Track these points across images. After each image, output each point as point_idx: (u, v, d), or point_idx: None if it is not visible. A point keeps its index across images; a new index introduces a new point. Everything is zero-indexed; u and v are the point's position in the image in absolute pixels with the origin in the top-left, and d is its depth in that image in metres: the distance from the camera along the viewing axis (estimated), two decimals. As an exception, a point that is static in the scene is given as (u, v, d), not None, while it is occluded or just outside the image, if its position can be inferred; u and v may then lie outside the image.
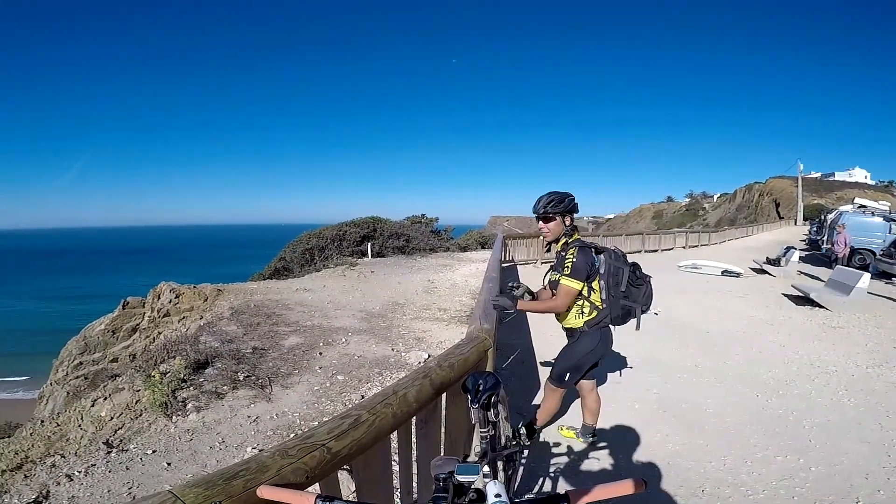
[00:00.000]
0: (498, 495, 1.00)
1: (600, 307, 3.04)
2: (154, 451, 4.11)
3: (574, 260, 2.95)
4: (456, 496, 1.14)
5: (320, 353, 6.15)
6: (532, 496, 1.05)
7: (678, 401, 4.56)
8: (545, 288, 3.28)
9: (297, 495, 1.09)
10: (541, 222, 3.07)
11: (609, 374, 5.20)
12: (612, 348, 5.63)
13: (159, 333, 8.45)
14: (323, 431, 1.40)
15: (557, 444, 3.59)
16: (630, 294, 3.03)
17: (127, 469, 3.89)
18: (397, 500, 2.20)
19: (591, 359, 3.16)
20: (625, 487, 1.02)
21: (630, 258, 3.15)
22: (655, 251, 20.16)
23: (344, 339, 6.69)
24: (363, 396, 4.99)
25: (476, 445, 2.83)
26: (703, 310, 8.82)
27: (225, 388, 5.04)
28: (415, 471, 2.17)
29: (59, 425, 5.88)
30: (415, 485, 2.20)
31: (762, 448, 3.64)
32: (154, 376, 4.92)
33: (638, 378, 5.15)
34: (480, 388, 1.86)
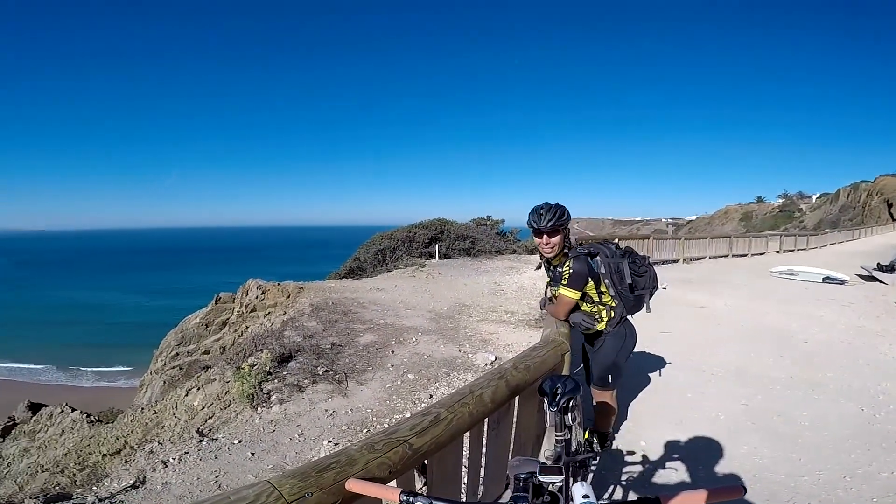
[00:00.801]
0: (586, 496, 1.01)
1: (614, 305, 3.04)
2: (240, 441, 4.36)
3: (570, 271, 2.91)
4: (534, 496, 1.16)
5: (392, 352, 6.34)
6: (619, 499, 1.03)
7: (769, 413, 4.27)
8: (551, 302, 3.28)
9: (383, 489, 1.15)
10: (545, 237, 2.92)
11: (691, 384, 4.97)
12: (693, 357, 5.34)
13: (247, 327, 9.12)
14: (406, 427, 1.46)
15: (631, 453, 3.50)
16: (637, 283, 3.01)
17: (215, 457, 4.12)
18: (463, 497, 2.25)
19: (623, 355, 3.16)
20: (721, 494, 0.98)
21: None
22: (744, 255, 18.71)
23: (414, 339, 6.86)
24: (431, 396, 5.09)
25: (545, 449, 2.84)
26: (801, 319, 8.07)
27: (305, 381, 5.35)
28: (482, 471, 2.21)
29: (156, 413, 6.49)
30: (481, 484, 2.24)
31: (865, 463, 3.34)
32: (244, 368, 5.30)
33: (723, 388, 4.89)
34: (559, 392, 1.85)
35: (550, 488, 1.24)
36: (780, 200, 78.73)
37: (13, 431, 10.72)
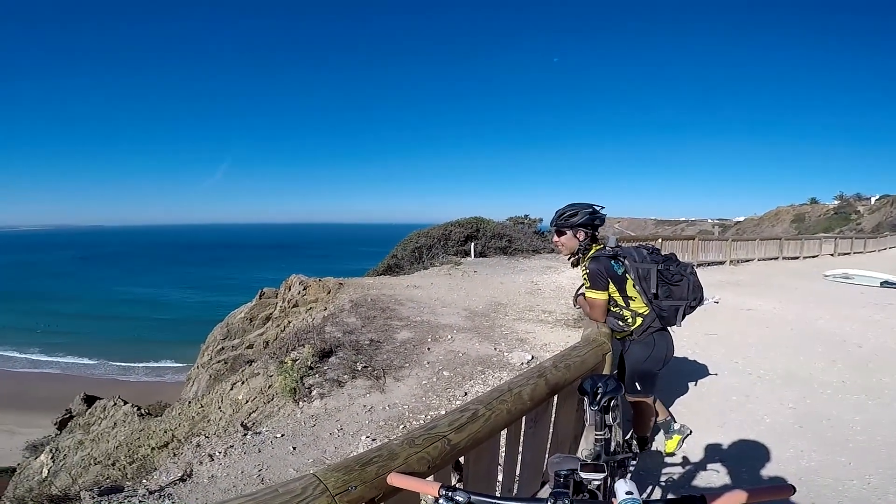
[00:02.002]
0: (629, 493, 0.99)
1: (645, 312, 2.90)
2: (282, 435, 4.45)
3: (587, 271, 2.88)
4: (574, 493, 1.17)
5: (428, 349, 6.41)
6: (663, 498, 1.02)
7: (818, 417, 4.13)
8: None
9: (423, 484, 1.17)
10: (555, 235, 3.04)
11: (735, 387, 4.85)
12: (739, 360, 5.16)
13: (289, 322, 9.40)
14: (444, 423, 1.49)
15: (672, 455, 3.46)
16: (672, 293, 2.84)
17: (259, 451, 4.21)
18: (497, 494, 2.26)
19: (652, 364, 3.03)
20: (769, 493, 0.95)
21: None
22: (796, 258, 17.96)
23: (450, 336, 6.90)
24: (466, 394, 5.11)
25: (583, 448, 2.83)
26: (856, 323, 7.66)
27: (345, 377, 5.47)
28: (517, 468, 2.21)
29: (202, 406, 6.72)
30: (516, 481, 2.24)
31: None
32: (286, 363, 5.47)
33: (770, 392, 4.74)
34: (600, 391, 1.86)
35: (590, 486, 1.24)
36: (836, 202, 74.45)
37: (69, 424, 11.30)
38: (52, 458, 9.21)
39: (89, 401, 12.57)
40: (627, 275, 2.88)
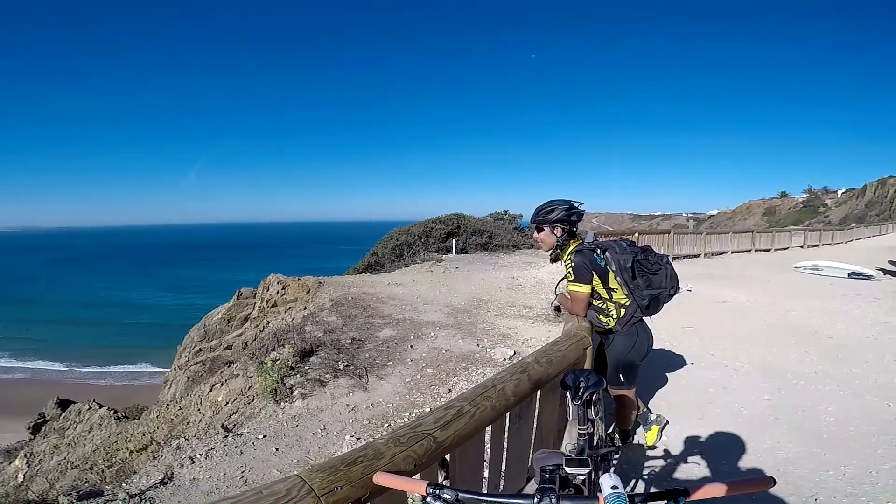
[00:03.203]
0: (615, 487, 1.00)
1: (626, 304, 2.98)
2: (265, 436, 4.41)
3: (572, 265, 2.94)
4: (560, 488, 1.18)
5: (411, 346, 6.39)
6: (647, 491, 1.03)
7: (793, 408, 4.24)
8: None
9: (410, 483, 1.16)
10: (535, 232, 3.13)
11: (713, 379, 4.94)
12: (715, 352, 5.28)
13: (268, 322, 9.24)
14: (430, 421, 1.49)
15: (653, 448, 3.50)
16: (651, 282, 2.94)
17: (241, 453, 4.18)
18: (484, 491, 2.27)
19: (636, 355, 3.11)
20: (750, 485, 0.98)
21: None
22: (768, 250, 18.43)
23: (432, 333, 6.89)
24: (450, 390, 5.11)
25: (566, 443, 2.85)
26: (826, 314, 7.91)
27: (327, 376, 5.42)
28: (503, 465, 2.22)
29: (181, 409, 6.57)
30: (502, 477, 2.26)
31: (891, 458, 3.31)
32: (266, 363, 5.39)
33: (746, 384, 4.85)
34: (582, 386, 1.87)
35: (575, 481, 1.26)
36: (805, 196, 77.08)
37: (43, 428, 10.95)
38: (27, 462, 8.93)
39: (63, 405, 12.23)
40: (609, 267, 2.94)
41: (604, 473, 1.06)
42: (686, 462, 3.31)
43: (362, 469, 1.23)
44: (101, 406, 9.89)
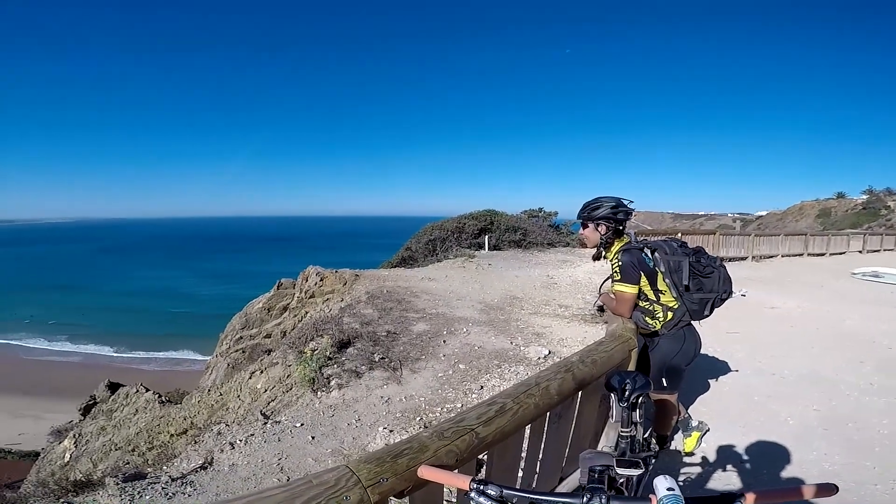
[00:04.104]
0: (671, 489, 0.99)
1: (675, 307, 2.87)
2: (301, 425, 4.48)
3: (620, 264, 2.85)
4: (608, 488, 1.17)
5: (444, 341, 6.39)
6: (702, 495, 1.01)
7: (844, 419, 4.03)
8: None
9: (454, 477, 1.16)
10: (581, 228, 3.08)
11: (758, 387, 4.76)
12: (762, 360, 5.08)
13: (306, 313, 9.46)
14: (472, 416, 1.49)
15: (691, 454, 3.42)
16: (703, 285, 2.82)
17: (279, 440, 4.24)
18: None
19: (682, 359, 3.00)
20: (810, 491, 0.94)
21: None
22: (822, 255, 17.45)
23: (465, 329, 6.88)
24: (482, 387, 5.10)
25: (603, 445, 2.82)
26: (885, 323, 7.44)
27: (363, 367, 5.49)
28: (538, 464, 2.20)
29: (221, 395, 6.76)
30: (535, 476, 2.25)
31: None
32: (306, 353, 5.50)
33: (794, 393, 4.64)
34: (628, 388, 1.84)
35: (619, 482, 1.26)
36: (864, 197, 72.24)
37: (93, 410, 11.50)
38: (74, 443, 9.39)
39: (113, 387, 12.74)
40: (658, 268, 2.85)
41: (659, 475, 1.05)
42: (724, 470, 3.22)
43: (407, 462, 1.24)
44: (147, 390, 10.29)
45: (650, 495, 1.01)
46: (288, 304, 11.58)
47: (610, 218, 2.89)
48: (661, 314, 2.91)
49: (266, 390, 5.79)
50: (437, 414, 4.65)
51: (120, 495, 3.36)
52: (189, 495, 3.50)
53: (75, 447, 9.23)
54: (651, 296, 2.91)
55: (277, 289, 12.88)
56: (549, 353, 5.89)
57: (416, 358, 5.86)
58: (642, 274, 2.84)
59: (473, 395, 4.96)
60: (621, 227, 2.96)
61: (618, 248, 2.94)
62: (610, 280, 3.08)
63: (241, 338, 11.82)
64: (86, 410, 12.10)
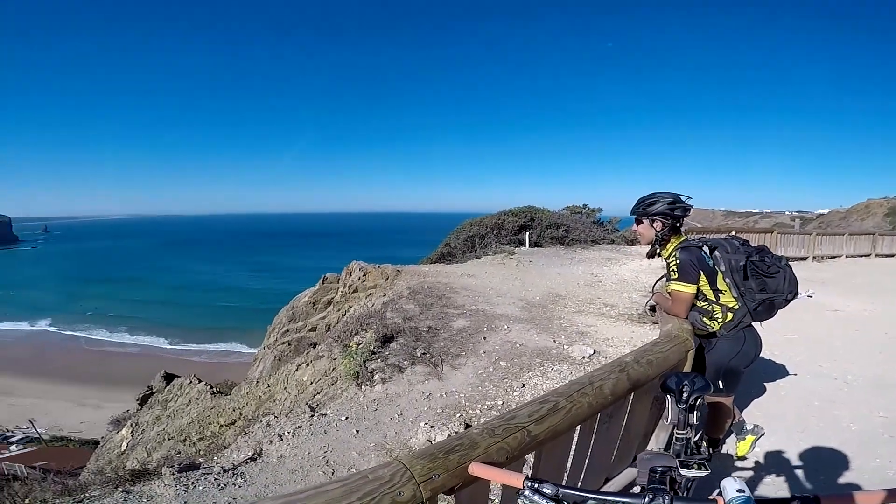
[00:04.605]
0: (741, 490, 0.97)
1: (735, 307, 2.73)
2: (346, 418, 4.54)
3: (677, 262, 2.71)
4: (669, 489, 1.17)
5: (484, 338, 6.36)
6: (774, 497, 0.98)
7: (913, 427, 3.78)
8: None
9: (506, 475, 1.15)
10: (635, 224, 2.97)
11: (818, 391, 4.53)
12: (823, 363, 4.82)
13: (350, 307, 9.62)
14: (524, 414, 1.48)
15: (743, 459, 3.32)
16: (766, 285, 2.67)
17: (325, 433, 4.31)
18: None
19: (741, 361, 2.85)
20: (885, 497, 0.90)
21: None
22: (892, 256, 16.26)
23: (506, 326, 6.82)
24: (524, 385, 5.05)
25: (653, 447, 2.78)
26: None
27: (405, 362, 5.54)
28: (585, 463, 2.19)
29: (268, 386, 6.94)
30: (581, 476, 2.23)
31: None
32: (351, 346, 5.60)
33: (858, 398, 4.40)
34: (686, 389, 1.83)
35: (679, 483, 1.31)
36: (940, 194, 66.17)
37: (150, 400, 12.02)
38: (131, 432, 9.88)
39: (168, 378, 13.25)
40: (717, 267, 2.74)
41: (727, 477, 1.04)
42: (778, 475, 3.10)
43: (458, 458, 1.24)
44: (199, 381, 10.70)
45: (716, 496, 1.00)
46: (332, 299, 11.83)
47: (667, 214, 2.78)
48: (720, 315, 2.79)
49: (312, 383, 5.92)
50: (478, 411, 4.64)
51: (175, 485, 3.48)
52: (239, 486, 3.60)
53: (132, 436, 9.68)
54: (710, 296, 2.79)
55: (322, 283, 13.17)
56: (594, 352, 5.75)
57: (456, 354, 5.86)
58: (701, 273, 2.73)
59: (515, 393, 4.92)
60: (678, 224, 2.85)
61: (674, 245, 2.82)
62: (664, 279, 2.98)
63: (287, 331, 12.16)
64: (143, 400, 12.65)
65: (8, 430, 30.78)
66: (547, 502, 1.03)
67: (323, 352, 6.53)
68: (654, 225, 2.83)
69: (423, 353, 5.76)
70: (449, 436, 3.90)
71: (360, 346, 5.62)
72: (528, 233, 15.69)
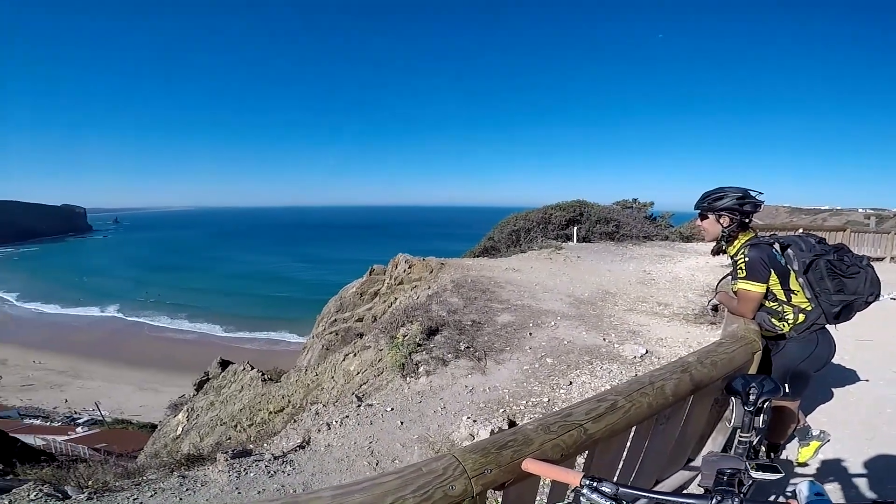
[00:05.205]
0: (819, 494, 0.97)
1: (808, 309, 2.54)
2: (392, 409, 4.58)
3: (746, 259, 2.53)
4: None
5: (530, 334, 6.26)
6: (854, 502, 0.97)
7: None
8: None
9: (562, 472, 1.13)
10: (699, 219, 2.82)
11: (891, 398, 4.20)
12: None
13: (395, 299, 9.73)
14: (581, 412, 1.47)
15: (804, 465, 3.14)
16: (845, 286, 2.46)
17: (370, 423, 4.36)
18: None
19: (811, 365, 2.67)
20: None
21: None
22: None
23: (553, 323, 6.68)
24: (571, 383, 4.94)
25: (709, 450, 2.71)
26: None
27: (449, 355, 5.53)
28: (637, 464, 2.14)
29: (316, 375, 7.09)
30: (632, 476, 2.19)
31: None
32: (398, 338, 5.65)
33: None
34: (754, 392, 1.80)
35: (745, 485, 1.25)
36: None
37: (205, 385, 12.47)
38: (187, 417, 10.35)
39: (224, 365, 13.64)
40: (790, 266, 2.56)
41: (803, 481, 1.05)
42: (842, 482, 2.93)
43: (511, 454, 1.23)
44: (252, 368, 11.04)
45: (789, 501, 1.01)
46: (378, 290, 11.99)
47: (735, 209, 2.61)
48: (790, 316, 2.61)
49: (358, 373, 6.02)
50: (522, 407, 4.57)
51: (228, 471, 3.61)
52: (288, 474, 3.69)
53: (187, 421, 10.12)
54: (781, 296, 2.61)
55: (370, 275, 13.37)
56: (647, 352, 5.53)
57: (500, 349, 5.79)
58: (772, 272, 2.55)
59: (561, 391, 4.81)
60: (747, 221, 2.67)
61: (743, 242, 2.65)
62: (729, 277, 2.81)
63: (335, 320, 12.42)
64: (199, 386, 13.09)
65: (76, 412, 33.30)
66: (606, 501, 1.01)
67: (370, 342, 6.62)
68: (721, 220, 2.67)
69: (467, 347, 5.73)
70: (492, 431, 3.86)
71: (406, 337, 5.66)
72: (576, 227, 15.30)
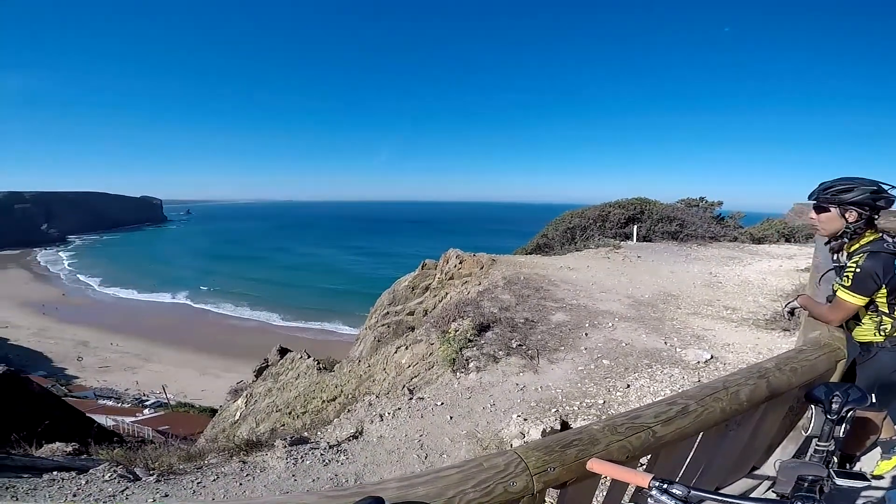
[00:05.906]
0: None
1: None
2: (442, 404, 4.61)
3: (858, 269, 2.23)
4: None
5: (586, 334, 6.09)
6: None
7: None
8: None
9: (631, 474, 1.11)
10: (813, 212, 2.46)
11: None
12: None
13: (446, 294, 9.78)
14: (650, 414, 1.44)
15: (880, 478, 2.88)
16: None
17: (421, 416, 4.39)
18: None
19: None
20: None
21: None
22: None
23: (610, 324, 6.46)
24: (629, 386, 4.77)
25: (778, 459, 2.57)
26: None
27: (500, 353, 5.48)
28: (700, 469, 2.05)
29: (369, 366, 7.24)
30: (694, 480, 2.09)
31: None
32: (449, 333, 5.66)
33: None
34: (837, 401, 1.75)
35: (823, 493, 1.26)
36: None
37: (264, 372, 12.86)
38: (245, 402, 10.81)
39: (282, 352, 14.04)
40: None
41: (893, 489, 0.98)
42: None
43: (576, 453, 1.21)
44: (308, 356, 11.34)
45: None
46: (429, 285, 12.07)
47: (867, 204, 2.29)
48: (888, 326, 2.34)
49: (410, 366, 6.09)
50: (575, 408, 4.46)
51: (286, 458, 3.70)
52: (342, 464, 3.77)
53: (245, 407, 10.54)
54: (883, 307, 2.33)
55: (422, 269, 13.50)
56: (712, 357, 5.22)
57: (554, 348, 5.67)
58: (884, 285, 2.27)
59: (618, 393, 4.66)
60: (876, 217, 2.35)
61: (866, 242, 2.35)
62: (836, 277, 2.53)
63: (387, 313, 12.62)
64: (259, 372, 13.50)
65: (144, 395, 35.59)
66: (675, 503, 1.00)
67: (421, 336, 6.68)
68: (847, 215, 2.34)
69: (519, 345, 5.65)
70: (544, 431, 3.78)
71: (458, 333, 5.66)
72: (636, 226, 14.69)
